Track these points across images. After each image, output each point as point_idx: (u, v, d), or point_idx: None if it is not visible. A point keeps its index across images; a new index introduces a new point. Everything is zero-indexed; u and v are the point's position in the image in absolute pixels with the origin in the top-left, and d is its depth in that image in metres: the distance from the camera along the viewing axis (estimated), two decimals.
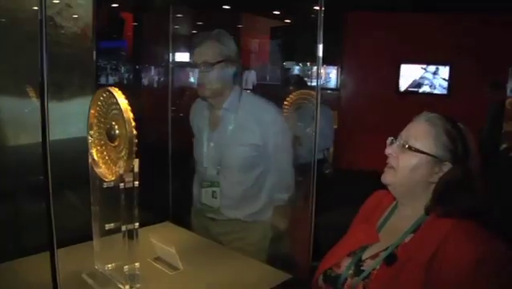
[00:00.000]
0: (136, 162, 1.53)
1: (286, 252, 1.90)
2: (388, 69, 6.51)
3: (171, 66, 2.38)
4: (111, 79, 7.15)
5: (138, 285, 1.58)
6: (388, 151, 1.34)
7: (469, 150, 1.25)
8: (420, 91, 6.67)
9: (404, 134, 1.33)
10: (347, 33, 6.16)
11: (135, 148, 1.48)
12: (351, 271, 1.33)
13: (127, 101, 1.49)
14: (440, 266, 1.12)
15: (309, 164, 2.42)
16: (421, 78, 6.62)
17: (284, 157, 2.14)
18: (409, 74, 6.62)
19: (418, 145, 1.26)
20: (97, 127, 1.64)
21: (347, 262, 1.36)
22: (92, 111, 1.65)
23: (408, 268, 1.17)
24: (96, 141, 1.65)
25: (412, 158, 1.26)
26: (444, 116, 1.30)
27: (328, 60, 6.62)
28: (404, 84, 6.68)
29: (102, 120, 1.62)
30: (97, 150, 1.65)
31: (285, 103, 3.17)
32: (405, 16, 6.04)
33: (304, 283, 1.66)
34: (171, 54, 2.31)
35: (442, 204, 1.23)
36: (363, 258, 1.35)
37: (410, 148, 1.26)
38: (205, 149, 2.06)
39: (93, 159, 1.64)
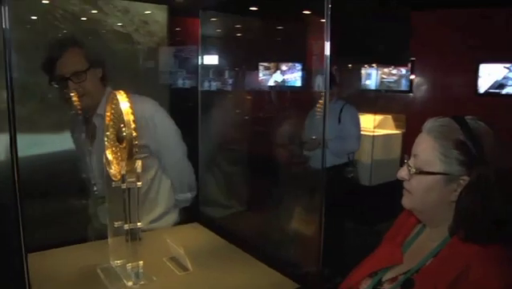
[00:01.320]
0: (139, 163, 1.57)
1: (296, 261, 1.83)
2: (465, 69, 6.05)
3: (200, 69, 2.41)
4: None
5: (142, 282, 1.63)
6: (399, 174, 1.19)
7: (486, 156, 1.06)
8: (503, 92, 6.10)
9: (413, 151, 1.20)
10: (417, 32, 5.83)
11: (135, 150, 1.53)
12: None
13: (129, 104, 1.54)
14: None
15: (333, 168, 2.31)
16: (504, 78, 6.05)
17: (177, 154, 2.06)
18: (490, 74, 6.08)
19: (425, 166, 1.11)
20: (112, 128, 1.72)
21: (366, 284, 1.27)
22: (108, 114, 1.72)
23: None
24: (112, 142, 1.72)
25: (423, 179, 1.13)
26: (456, 118, 1.11)
27: (396, 61, 6.31)
28: (483, 85, 6.15)
29: (115, 121, 1.68)
30: (111, 151, 1.72)
31: (317, 105, 3.09)
32: (483, 12, 5.58)
33: None
34: (200, 58, 2.34)
35: (464, 226, 1.08)
36: (384, 279, 1.24)
37: (417, 171, 1.13)
38: (90, 164, 1.94)
39: (107, 159, 1.72)
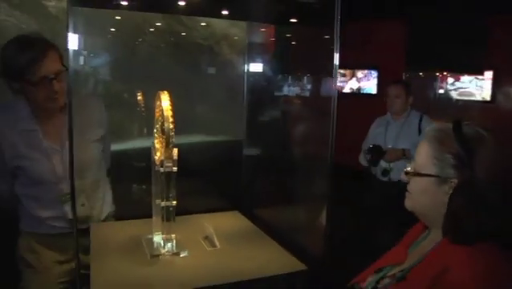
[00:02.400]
0: (175, 151, 1.89)
1: (311, 249, 2.02)
2: None
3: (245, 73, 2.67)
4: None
5: (174, 251, 1.94)
6: (402, 177, 1.29)
7: (476, 162, 1.10)
8: None
9: (414, 156, 1.29)
10: (495, 39, 5.57)
11: (172, 140, 1.84)
12: (370, 287, 1.34)
13: (169, 102, 1.86)
14: None
15: None
16: None
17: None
18: None
19: (420, 168, 1.20)
20: (160, 122, 2.05)
21: (370, 279, 1.37)
22: (157, 110, 2.06)
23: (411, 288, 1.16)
24: (159, 134, 2.06)
25: (419, 181, 1.21)
26: (454, 124, 1.18)
27: (472, 69, 6.07)
28: None
29: (162, 117, 2.02)
30: (159, 141, 2.06)
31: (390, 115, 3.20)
32: None
33: (314, 276, 1.80)
34: (246, 65, 2.61)
35: (451, 227, 1.13)
36: (387, 275, 1.33)
37: (413, 173, 1.22)
38: (54, 162, 1.89)
39: (154, 147, 2.06)
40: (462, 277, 1.01)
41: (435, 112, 6.19)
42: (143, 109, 2.80)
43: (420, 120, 3.07)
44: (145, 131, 3.04)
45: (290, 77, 7.62)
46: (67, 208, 1.84)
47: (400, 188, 1.34)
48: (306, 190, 2.47)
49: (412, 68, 6.49)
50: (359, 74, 8.21)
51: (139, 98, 2.96)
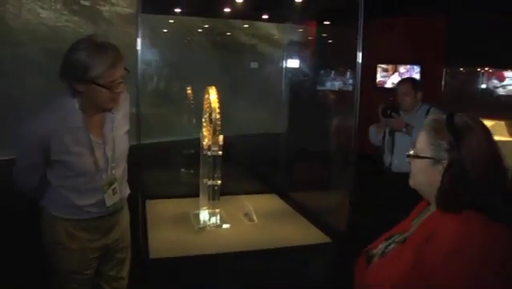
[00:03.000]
0: (221, 137, 2.22)
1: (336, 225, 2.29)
2: None
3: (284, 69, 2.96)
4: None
5: (218, 223, 2.28)
6: (406, 158, 1.47)
7: (462, 147, 1.27)
8: None
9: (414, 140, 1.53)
10: None
11: (218, 128, 2.17)
12: (380, 252, 1.50)
13: (216, 96, 2.19)
14: (426, 251, 1.23)
15: None
16: None
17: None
18: None
19: (419, 152, 1.37)
20: (207, 113, 2.39)
21: (381, 245, 1.53)
22: (205, 102, 2.40)
23: (405, 250, 1.33)
24: (207, 123, 2.40)
25: (418, 163, 1.38)
26: (448, 115, 1.32)
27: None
28: None
29: (209, 108, 2.35)
30: (206, 129, 2.40)
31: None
32: None
33: (336, 248, 2.09)
34: (284, 62, 2.90)
35: (441, 199, 1.30)
36: (394, 241, 1.48)
37: (414, 156, 1.39)
38: (97, 155, 1.95)
39: (203, 134, 2.40)
40: (444, 237, 1.21)
41: (476, 107, 6.22)
42: (192, 102, 3.16)
43: (427, 113, 3.19)
44: (194, 121, 3.39)
45: (325, 73, 7.84)
46: (106, 195, 1.96)
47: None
48: (334, 176, 2.73)
49: (452, 63, 6.52)
50: (402, 69, 8.25)
51: (188, 92, 3.32)
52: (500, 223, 1.19)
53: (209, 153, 2.25)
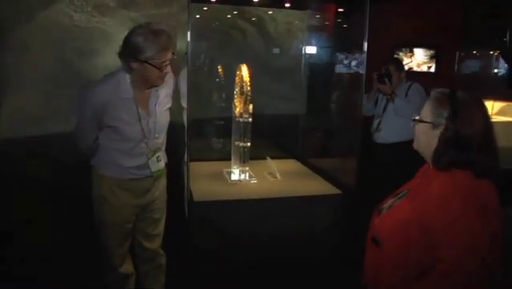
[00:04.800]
0: (251, 106, 2.66)
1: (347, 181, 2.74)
2: None
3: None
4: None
5: (247, 179, 2.75)
6: (411, 123, 1.67)
7: (458, 116, 1.43)
8: None
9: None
10: None
11: (249, 99, 2.62)
12: (387, 206, 1.70)
13: (247, 72, 2.64)
14: (421, 200, 1.42)
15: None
16: None
17: None
18: None
19: (423, 117, 1.56)
20: (238, 87, 2.84)
21: (389, 201, 1.73)
22: (237, 78, 2.85)
23: (405, 202, 1.53)
24: (238, 94, 2.84)
25: (420, 126, 1.57)
26: (452, 90, 1.52)
27: None
28: None
29: (240, 82, 2.80)
30: (237, 100, 2.85)
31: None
32: None
33: (345, 198, 2.54)
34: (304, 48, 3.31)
35: (435, 158, 1.49)
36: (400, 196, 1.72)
37: (418, 120, 1.59)
38: (143, 125, 2.21)
39: (234, 104, 2.85)
40: (435, 189, 1.42)
41: (488, 90, 6.44)
42: (222, 79, 3.63)
43: (409, 88, 3.58)
44: (223, 96, 3.86)
45: (341, 57, 8.16)
46: (150, 162, 2.25)
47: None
48: (344, 146, 3.15)
49: (467, 47, 6.77)
50: (419, 53, 8.50)
51: (219, 70, 3.78)
52: (483, 179, 1.35)
53: (240, 120, 2.70)
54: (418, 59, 8.52)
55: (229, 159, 2.95)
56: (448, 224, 1.28)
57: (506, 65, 6.57)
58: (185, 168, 2.61)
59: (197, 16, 4.07)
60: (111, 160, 2.22)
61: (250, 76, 2.67)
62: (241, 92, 2.76)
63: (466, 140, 1.39)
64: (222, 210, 2.43)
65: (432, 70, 8.15)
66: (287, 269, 2.36)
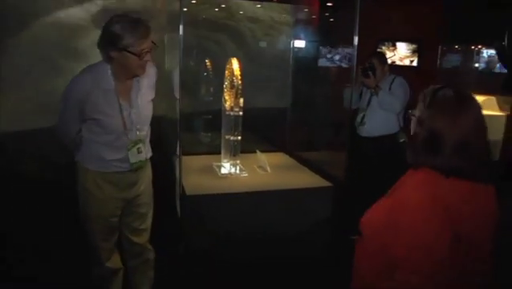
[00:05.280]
0: (241, 100, 2.67)
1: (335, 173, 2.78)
2: None
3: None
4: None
5: (238, 172, 2.76)
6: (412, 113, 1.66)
7: (429, 113, 1.39)
8: None
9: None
10: None
11: (240, 92, 2.62)
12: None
13: (238, 66, 2.64)
14: (396, 194, 1.41)
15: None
16: None
17: None
18: None
19: (413, 111, 1.53)
20: (228, 80, 2.84)
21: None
22: (226, 72, 2.85)
23: (383, 198, 1.48)
24: (228, 88, 2.84)
25: (412, 120, 1.55)
26: (440, 87, 1.46)
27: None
28: None
29: (230, 76, 2.80)
30: (227, 94, 2.85)
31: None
32: None
33: (333, 191, 2.58)
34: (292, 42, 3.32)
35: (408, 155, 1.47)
36: None
37: (411, 114, 1.56)
38: (124, 116, 2.21)
39: (224, 98, 2.85)
40: (403, 188, 1.41)
41: (469, 85, 6.56)
42: (211, 73, 3.61)
43: (392, 81, 3.65)
44: (211, 90, 3.85)
45: (325, 50, 8.21)
46: (130, 153, 2.25)
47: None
48: (332, 139, 3.19)
49: (448, 42, 6.89)
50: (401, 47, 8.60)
51: (207, 64, 3.77)
52: (449, 178, 1.30)
53: (231, 114, 2.71)
54: (401, 53, 8.61)
55: (218, 152, 2.97)
56: (406, 223, 1.27)
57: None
58: (177, 162, 2.61)
59: (185, 9, 4.03)
60: (94, 153, 2.22)
61: (241, 70, 2.67)
62: (231, 86, 2.76)
63: (435, 138, 1.33)
64: (215, 204, 2.44)
65: (415, 64, 8.25)
66: (280, 263, 2.39)
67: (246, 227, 2.41)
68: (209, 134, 3.77)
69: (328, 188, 2.64)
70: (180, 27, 2.23)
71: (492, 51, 6.74)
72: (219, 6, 4.19)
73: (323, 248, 2.56)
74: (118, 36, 2.05)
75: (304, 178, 2.80)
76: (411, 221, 1.26)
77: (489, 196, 1.33)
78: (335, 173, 2.73)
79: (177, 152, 2.62)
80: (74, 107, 2.14)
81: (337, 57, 8.52)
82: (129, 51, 2.06)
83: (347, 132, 2.83)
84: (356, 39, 2.46)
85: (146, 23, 2.14)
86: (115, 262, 2.38)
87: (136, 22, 2.09)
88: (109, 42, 2.07)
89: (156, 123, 2.43)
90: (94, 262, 2.33)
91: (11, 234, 3.10)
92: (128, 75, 2.18)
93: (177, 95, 2.62)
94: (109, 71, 2.14)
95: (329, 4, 3.37)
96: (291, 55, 3.86)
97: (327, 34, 5.96)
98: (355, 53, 2.53)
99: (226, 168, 2.83)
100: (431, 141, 1.33)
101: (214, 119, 3.29)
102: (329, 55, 8.46)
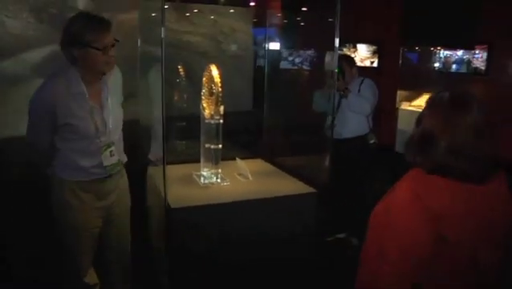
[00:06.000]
0: (222, 108, 2.62)
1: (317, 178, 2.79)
2: None
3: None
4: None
5: (219, 181, 2.71)
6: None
7: (424, 115, 1.41)
8: None
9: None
10: (494, 15, 5.84)
11: (220, 100, 2.57)
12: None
13: (217, 72, 2.58)
14: (389, 197, 1.41)
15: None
16: None
17: None
18: None
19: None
20: (206, 88, 2.77)
21: None
22: (204, 79, 2.78)
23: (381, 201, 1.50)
24: (206, 96, 2.78)
25: None
26: (442, 91, 1.47)
27: (464, 43, 6.45)
28: None
29: (208, 83, 2.74)
30: (205, 101, 2.78)
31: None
32: None
33: (318, 197, 2.58)
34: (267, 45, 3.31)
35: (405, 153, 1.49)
36: None
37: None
38: (96, 119, 2.20)
39: (203, 106, 2.79)
40: (396, 187, 1.44)
41: (429, 85, 6.70)
42: (184, 80, 3.53)
43: (361, 83, 3.74)
44: (185, 97, 3.76)
45: (295, 54, 8.29)
46: (103, 156, 2.23)
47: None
48: (311, 144, 3.20)
49: (408, 43, 7.09)
50: (362, 49, 8.79)
51: (180, 70, 3.68)
52: (440, 178, 1.31)
53: (212, 122, 2.65)
54: (361, 55, 8.80)
55: (194, 161, 2.91)
56: (391, 222, 1.30)
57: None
58: (154, 171, 2.57)
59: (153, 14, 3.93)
60: (70, 162, 2.19)
61: (221, 76, 2.62)
62: (210, 93, 2.70)
63: (427, 137, 1.35)
64: (201, 216, 2.37)
65: (375, 65, 8.44)
66: (271, 270, 2.37)
67: (235, 237, 2.37)
68: (184, 142, 3.69)
69: (313, 194, 2.63)
70: (162, 30, 2.15)
71: (448, 52, 6.96)
72: (191, 11, 4.12)
73: (312, 255, 2.56)
74: (79, 34, 2.06)
75: (287, 185, 2.78)
76: (395, 219, 1.30)
77: (496, 198, 1.31)
78: (315, 178, 2.74)
79: (154, 161, 2.56)
80: (44, 115, 2.11)
81: (297, 60, 8.61)
82: (92, 47, 2.07)
83: (330, 135, 2.83)
84: (337, 41, 2.46)
85: (105, 19, 2.15)
86: (91, 278, 2.34)
87: (96, 18, 2.12)
88: (71, 41, 2.08)
89: (129, 128, 2.43)
90: (69, 279, 2.27)
91: (11, 234, 3.04)
92: (95, 73, 2.17)
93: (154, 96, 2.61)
94: (77, 74, 2.13)
95: (304, 9, 3.35)
96: (266, 60, 3.84)
97: (289, 37, 5.99)
98: (337, 56, 2.54)
99: (207, 177, 2.77)
100: (424, 141, 1.36)
101: (188, 126, 3.23)
102: (290, 58, 8.55)
